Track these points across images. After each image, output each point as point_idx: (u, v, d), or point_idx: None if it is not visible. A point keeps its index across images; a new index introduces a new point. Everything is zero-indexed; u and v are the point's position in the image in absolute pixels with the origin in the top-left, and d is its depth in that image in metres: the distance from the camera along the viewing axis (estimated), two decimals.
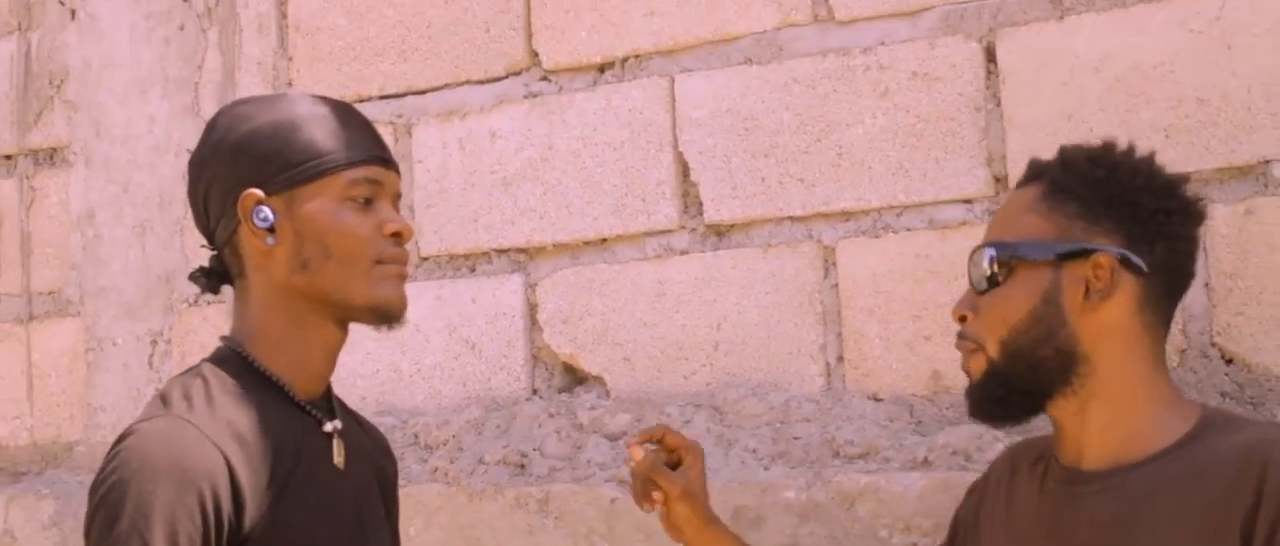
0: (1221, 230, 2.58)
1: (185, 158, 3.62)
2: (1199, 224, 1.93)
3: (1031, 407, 1.92)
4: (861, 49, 2.92)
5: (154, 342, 3.64)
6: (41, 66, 3.88)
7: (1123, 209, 1.86)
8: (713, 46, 3.07)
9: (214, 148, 1.93)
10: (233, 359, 1.92)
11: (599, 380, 3.16)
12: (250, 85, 3.59)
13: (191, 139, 3.62)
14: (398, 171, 1.99)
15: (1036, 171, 1.96)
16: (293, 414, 1.91)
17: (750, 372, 2.98)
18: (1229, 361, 2.58)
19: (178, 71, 3.67)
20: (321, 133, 1.90)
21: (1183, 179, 1.92)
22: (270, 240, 1.88)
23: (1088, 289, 1.85)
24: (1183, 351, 2.59)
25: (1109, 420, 1.87)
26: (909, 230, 2.85)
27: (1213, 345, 2.59)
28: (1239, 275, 2.57)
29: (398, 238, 1.93)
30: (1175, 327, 2.59)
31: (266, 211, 1.88)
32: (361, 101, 3.44)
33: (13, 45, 3.91)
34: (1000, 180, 2.77)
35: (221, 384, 1.87)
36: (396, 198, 1.98)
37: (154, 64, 3.71)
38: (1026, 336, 1.87)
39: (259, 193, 1.88)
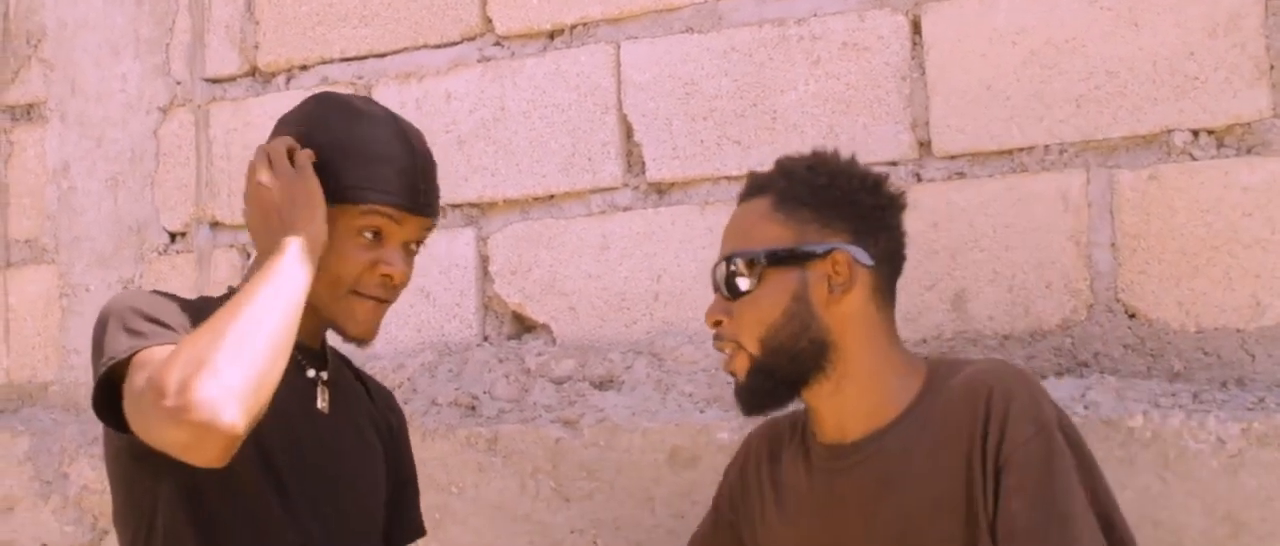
0: (1127, 194, 2.58)
1: (156, 115, 3.57)
2: (902, 212, 2.05)
3: (792, 394, 2.01)
4: (795, 20, 2.90)
5: (125, 289, 3.59)
6: (19, 26, 3.81)
7: (847, 209, 1.98)
8: (656, 15, 3.05)
9: (298, 127, 1.96)
10: (230, 296, 1.93)
11: (546, 328, 3.14)
12: (218, 47, 3.53)
13: (162, 97, 3.57)
14: (428, 215, 1.98)
15: (760, 185, 2.05)
16: None
17: (688, 322, 2.97)
18: (1132, 316, 2.58)
19: (149, 32, 3.61)
20: (364, 171, 1.91)
21: (886, 176, 2.05)
22: None
23: (830, 284, 1.95)
24: (1090, 306, 2.60)
25: (860, 394, 1.97)
26: None
27: (1117, 300, 2.59)
28: (1142, 236, 2.58)
29: (387, 279, 1.92)
30: (1083, 283, 2.60)
31: None
32: (324, 63, 3.40)
33: None
34: (924, 145, 2.76)
35: (211, 310, 1.89)
36: (414, 236, 1.96)
37: (126, 25, 3.64)
38: (784, 332, 1.95)
39: None
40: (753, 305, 1.97)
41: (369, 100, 2.07)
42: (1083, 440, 1.89)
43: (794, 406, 2.08)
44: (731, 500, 2.22)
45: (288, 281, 1.76)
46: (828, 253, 1.95)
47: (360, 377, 2.18)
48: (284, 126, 1.99)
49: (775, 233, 1.99)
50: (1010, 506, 1.81)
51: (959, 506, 1.85)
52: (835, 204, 1.98)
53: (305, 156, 1.89)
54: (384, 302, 1.96)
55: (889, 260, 2.03)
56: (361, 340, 1.97)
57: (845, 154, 2.09)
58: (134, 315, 1.77)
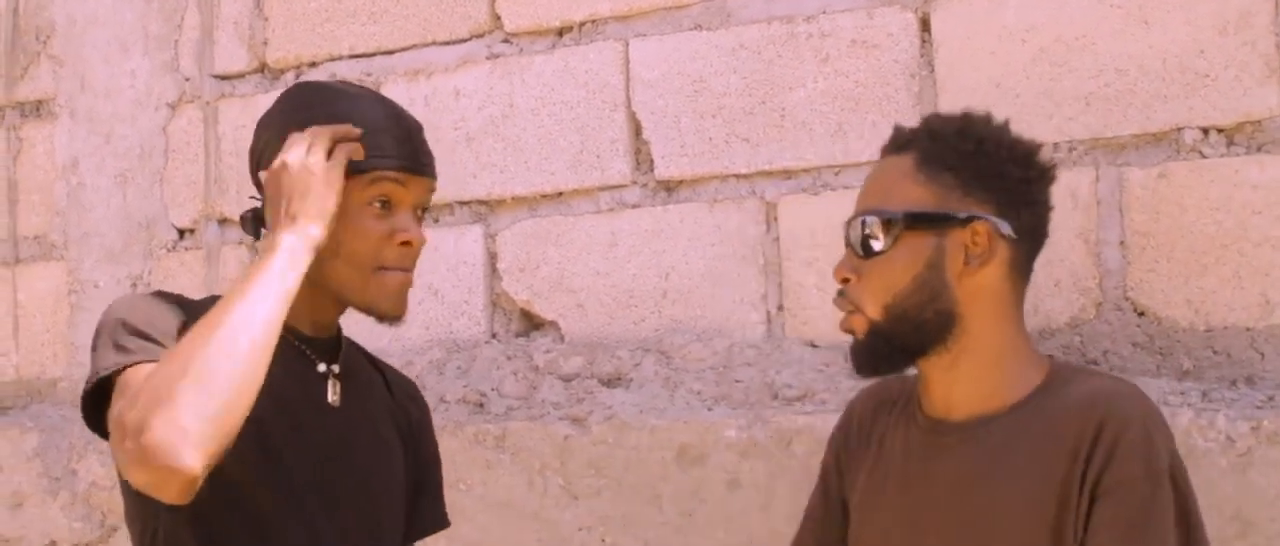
0: (1136, 192, 2.58)
1: (165, 111, 3.58)
2: (1051, 186, 1.94)
3: (908, 361, 1.92)
4: (804, 17, 2.89)
5: (134, 285, 3.60)
6: (28, 22, 3.81)
7: (992, 179, 1.86)
8: (665, 13, 3.04)
9: (277, 117, 1.95)
10: None
11: (554, 325, 3.14)
12: (227, 44, 3.53)
13: (171, 93, 3.57)
14: (430, 175, 1.97)
15: (904, 141, 1.94)
16: (282, 350, 1.89)
17: (696, 320, 2.97)
18: (1141, 314, 2.58)
19: (158, 29, 3.61)
20: (368, 136, 1.89)
21: (1039, 146, 1.93)
22: None
23: (967, 255, 1.85)
24: (1099, 304, 2.59)
25: (975, 374, 1.88)
26: (846, 188, 2.84)
27: (1126, 299, 2.59)
28: (1151, 234, 2.57)
29: (407, 246, 1.91)
30: (1092, 282, 2.59)
31: None
32: (333, 61, 3.40)
33: (0, 2, 3.84)
34: None
35: None
36: (420, 200, 1.96)
37: (135, 21, 3.64)
38: (911, 301, 1.85)
39: None
40: (884, 267, 1.86)
41: (344, 81, 2.07)
42: (1192, 490, 1.80)
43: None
44: (837, 467, 2.11)
45: (270, 290, 1.74)
46: (968, 221, 1.84)
47: (380, 368, 2.17)
48: (266, 122, 1.97)
49: (916, 194, 1.87)
50: (1098, 542, 1.74)
51: (1047, 520, 1.78)
52: (981, 172, 1.87)
53: (344, 151, 1.87)
54: (408, 273, 1.95)
55: (1030, 236, 1.91)
56: (395, 317, 1.95)
57: (1001, 118, 1.96)
58: (123, 329, 1.76)
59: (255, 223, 2.02)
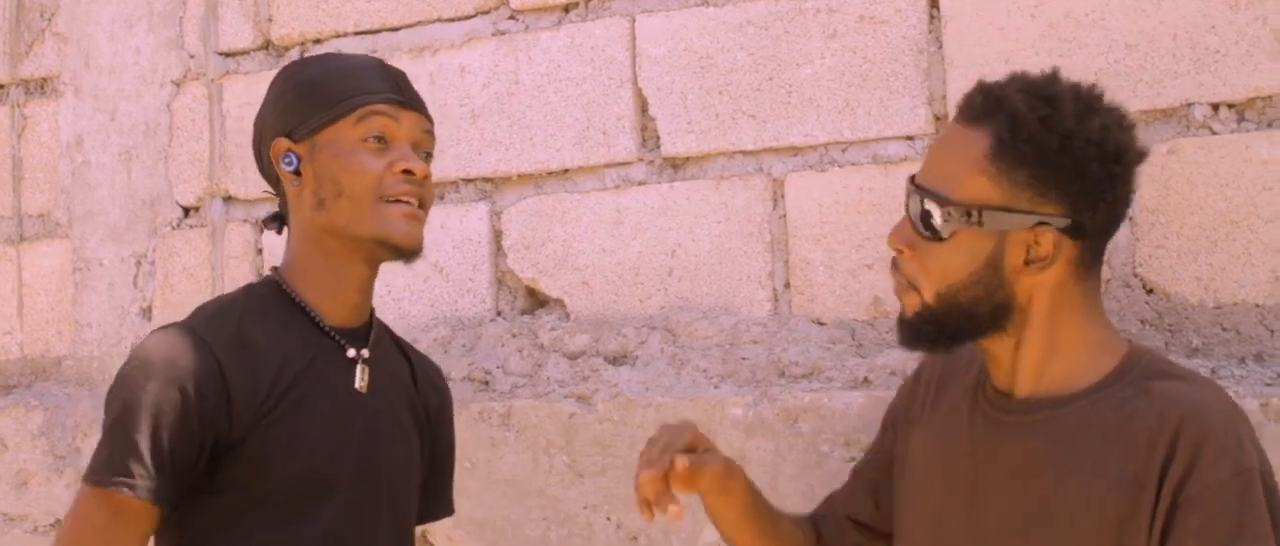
0: (1146, 169, 2.54)
1: (170, 88, 3.57)
2: (1138, 166, 1.83)
3: (959, 345, 1.85)
4: None
5: (138, 263, 3.60)
6: (33, 0, 3.81)
7: (1070, 180, 1.74)
8: None
9: (267, 104, 2.03)
10: (269, 285, 2.01)
11: (559, 303, 3.14)
12: (232, 20, 3.52)
13: (175, 70, 3.57)
14: (421, 111, 1.99)
15: (982, 113, 1.80)
16: (314, 337, 1.97)
17: (702, 297, 2.96)
18: (1150, 291, 2.57)
19: (163, 6, 3.61)
20: (342, 84, 1.95)
21: (1130, 131, 1.80)
22: (297, 182, 1.96)
23: (1028, 255, 1.76)
24: (1107, 281, 2.59)
25: (1041, 356, 1.81)
26: (854, 165, 2.83)
27: (1135, 275, 2.58)
28: (1161, 210, 2.56)
29: (407, 175, 1.93)
30: None
31: (291, 156, 1.96)
32: (338, 37, 3.39)
33: None
34: (940, 119, 2.75)
35: (249, 304, 1.97)
36: (418, 139, 1.98)
37: None
38: (965, 294, 1.78)
39: (286, 141, 1.96)
40: (942, 255, 1.78)
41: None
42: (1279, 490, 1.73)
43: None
44: (895, 421, 2.07)
45: None
46: (1034, 224, 1.75)
47: (407, 355, 2.18)
48: (262, 112, 2.04)
49: (984, 189, 1.76)
50: None
51: (1110, 517, 1.71)
52: (1059, 171, 1.74)
53: None
54: (413, 208, 1.95)
55: (1104, 230, 1.82)
56: (408, 249, 1.96)
57: (1088, 87, 1.81)
58: (125, 436, 1.87)
59: (279, 222, 2.08)
